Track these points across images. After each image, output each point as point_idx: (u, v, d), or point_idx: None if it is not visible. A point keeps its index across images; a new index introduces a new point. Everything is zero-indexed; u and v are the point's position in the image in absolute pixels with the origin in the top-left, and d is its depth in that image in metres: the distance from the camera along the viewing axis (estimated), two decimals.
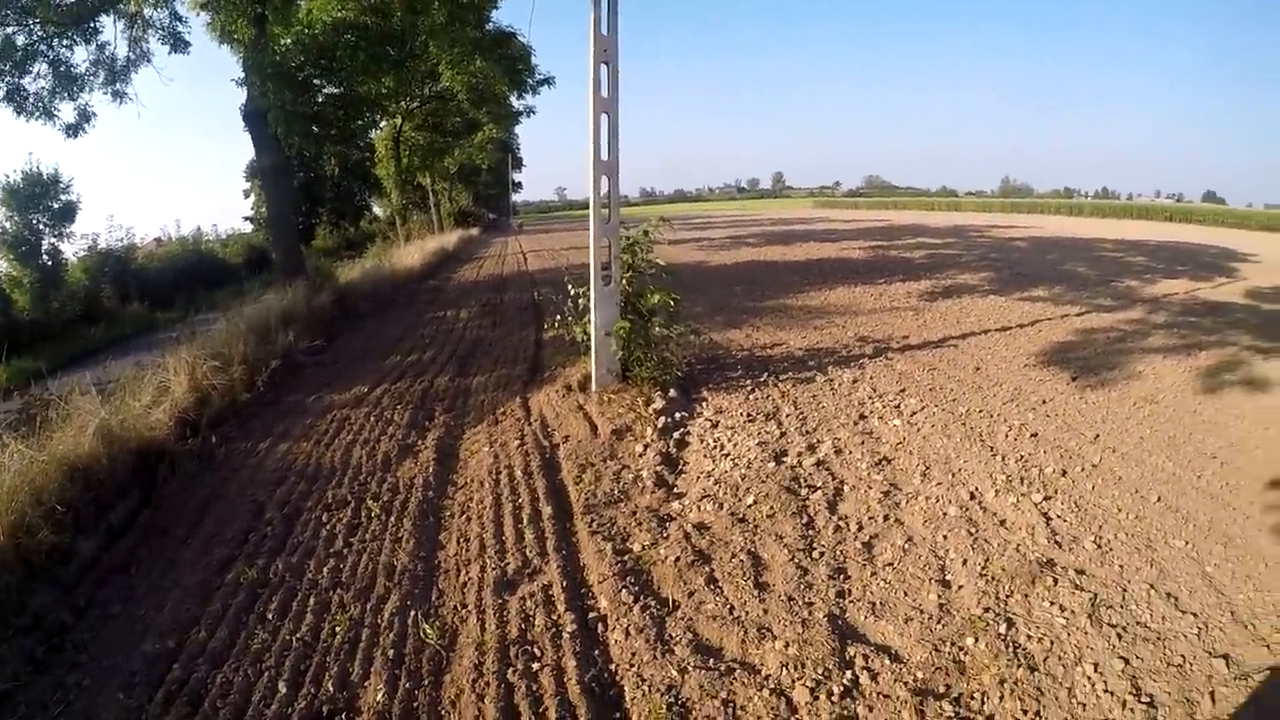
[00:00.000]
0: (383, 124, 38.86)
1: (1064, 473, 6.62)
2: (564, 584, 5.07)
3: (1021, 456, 7.01)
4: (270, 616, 5.00)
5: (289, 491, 7.07)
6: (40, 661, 4.74)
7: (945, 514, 5.96)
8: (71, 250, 24.26)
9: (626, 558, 5.39)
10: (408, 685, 4.22)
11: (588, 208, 8.83)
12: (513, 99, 38.45)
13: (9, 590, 5.13)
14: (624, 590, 4.91)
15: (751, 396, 9.08)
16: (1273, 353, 10.51)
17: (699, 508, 6.19)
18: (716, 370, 10.46)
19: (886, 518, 5.92)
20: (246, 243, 38.51)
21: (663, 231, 10.28)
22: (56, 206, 23.27)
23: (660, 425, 8.04)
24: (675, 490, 6.68)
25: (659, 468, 7.07)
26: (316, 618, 4.94)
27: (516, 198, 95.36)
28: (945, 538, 5.57)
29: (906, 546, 5.47)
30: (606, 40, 8.34)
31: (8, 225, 22.11)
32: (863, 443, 7.50)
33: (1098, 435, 7.49)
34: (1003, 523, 5.78)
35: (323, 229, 50.94)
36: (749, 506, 6.13)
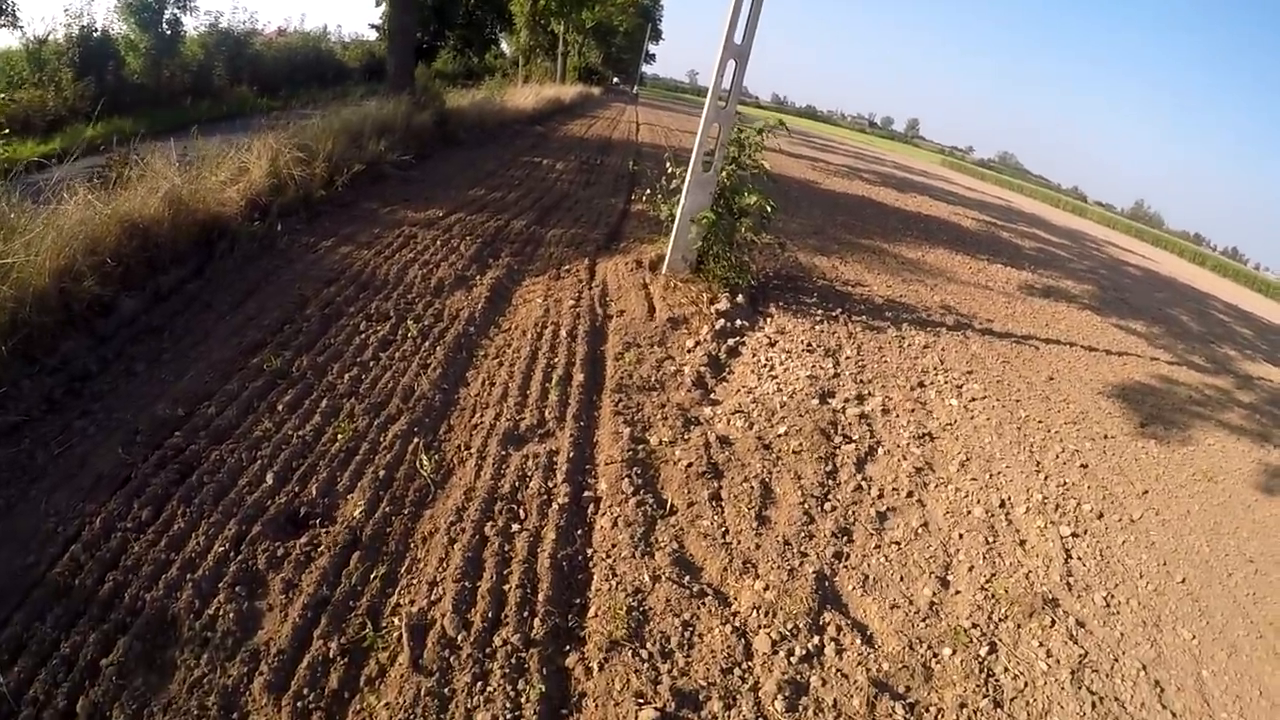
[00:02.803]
0: None
1: (1100, 515, 6.08)
2: (571, 454, 4.93)
3: (1064, 483, 6.46)
4: (280, 408, 5.01)
5: (336, 293, 7.04)
6: (56, 402, 4.83)
7: (969, 512, 5.59)
8: (192, 25, 23.98)
9: (640, 447, 5.22)
10: (387, 509, 4.19)
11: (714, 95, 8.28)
12: None
13: (45, 331, 5.23)
14: (627, 479, 4.75)
15: (818, 327, 8.67)
16: None
17: (729, 420, 5.95)
18: (792, 291, 10.01)
19: (910, 495, 5.59)
20: (368, 50, 38.07)
21: (778, 136, 9.65)
22: None
23: (718, 327, 7.73)
24: (711, 396, 6.45)
25: (703, 368, 6.81)
26: (323, 420, 4.93)
27: (648, 69, 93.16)
28: (961, 536, 5.22)
29: (919, 531, 5.15)
30: None
31: None
32: (913, 410, 7.08)
33: (1146, 491, 6.79)
34: (1023, 543, 5.38)
35: (446, 52, 50.41)
36: (778, 435, 5.87)
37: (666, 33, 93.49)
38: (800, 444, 5.79)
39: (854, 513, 5.14)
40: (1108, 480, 6.77)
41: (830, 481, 5.44)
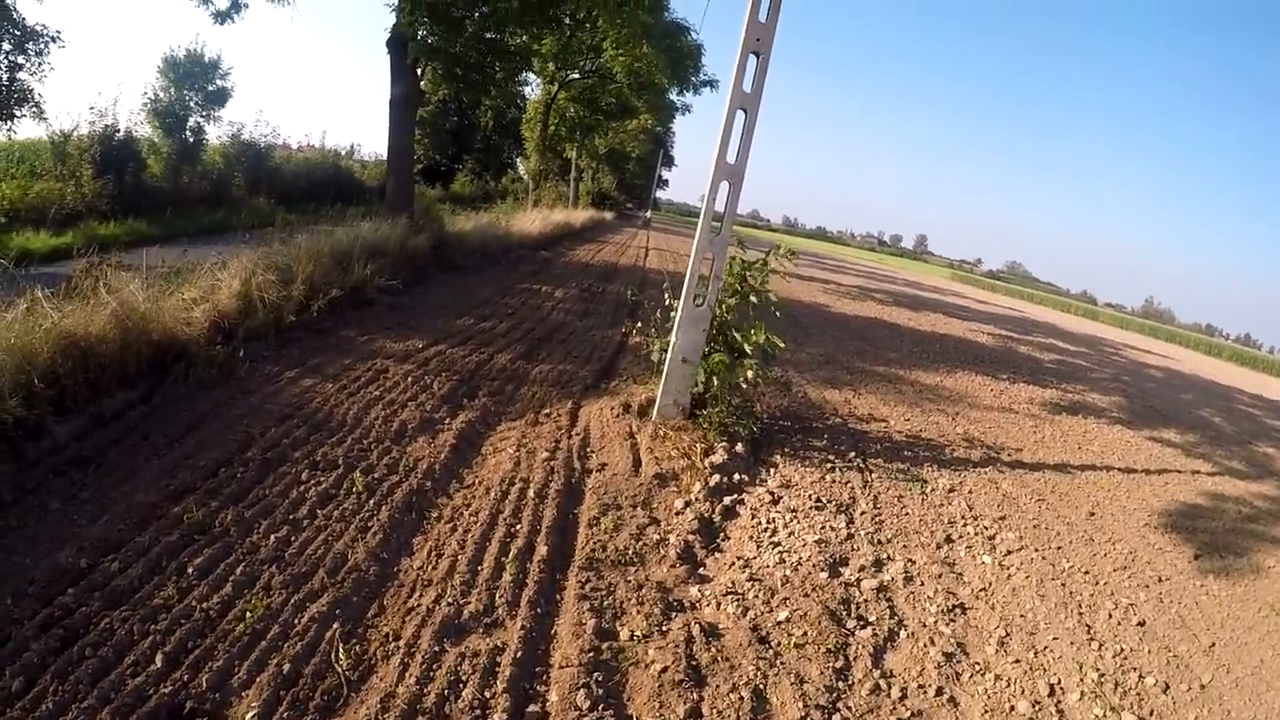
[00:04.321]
0: (536, 86, 39.66)
1: (1166, 688, 5.26)
2: (519, 652, 4.21)
3: (1121, 651, 5.62)
4: (190, 571, 4.43)
5: (285, 433, 6.51)
6: None
7: (1013, 708, 4.75)
8: (215, 133, 25.14)
9: (606, 645, 4.48)
10: (285, 716, 3.50)
11: (731, 221, 8.00)
12: (672, 94, 38.80)
13: None
14: (584, 690, 4.01)
15: (828, 477, 8.00)
16: None
17: (719, 605, 5.22)
18: (799, 433, 9.40)
19: (940, 692, 4.77)
20: (385, 170, 39.55)
21: (787, 264, 9.32)
22: (211, 89, 24.10)
23: (712, 483, 7.07)
24: (701, 571, 5.74)
25: (692, 535, 6.12)
26: (235, 591, 4.31)
27: (661, 194, 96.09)
28: None
29: None
30: (762, 28, 7.43)
31: (161, 95, 22.94)
32: (940, 576, 6.32)
33: (1213, 644, 6.01)
34: None
35: (464, 175, 52.44)
36: (778, 624, 5.11)
37: (680, 158, 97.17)
38: (805, 633, 5.01)
39: None
40: (1169, 638, 5.97)
41: (841, 683, 4.62)
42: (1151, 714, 4.95)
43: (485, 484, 6.41)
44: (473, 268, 18.16)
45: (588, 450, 7.55)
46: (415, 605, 4.53)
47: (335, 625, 4.17)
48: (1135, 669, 5.43)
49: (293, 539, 4.96)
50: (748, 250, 8.83)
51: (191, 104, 23.70)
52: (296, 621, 4.15)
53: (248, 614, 4.13)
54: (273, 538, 4.90)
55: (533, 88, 41.17)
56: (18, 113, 17.91)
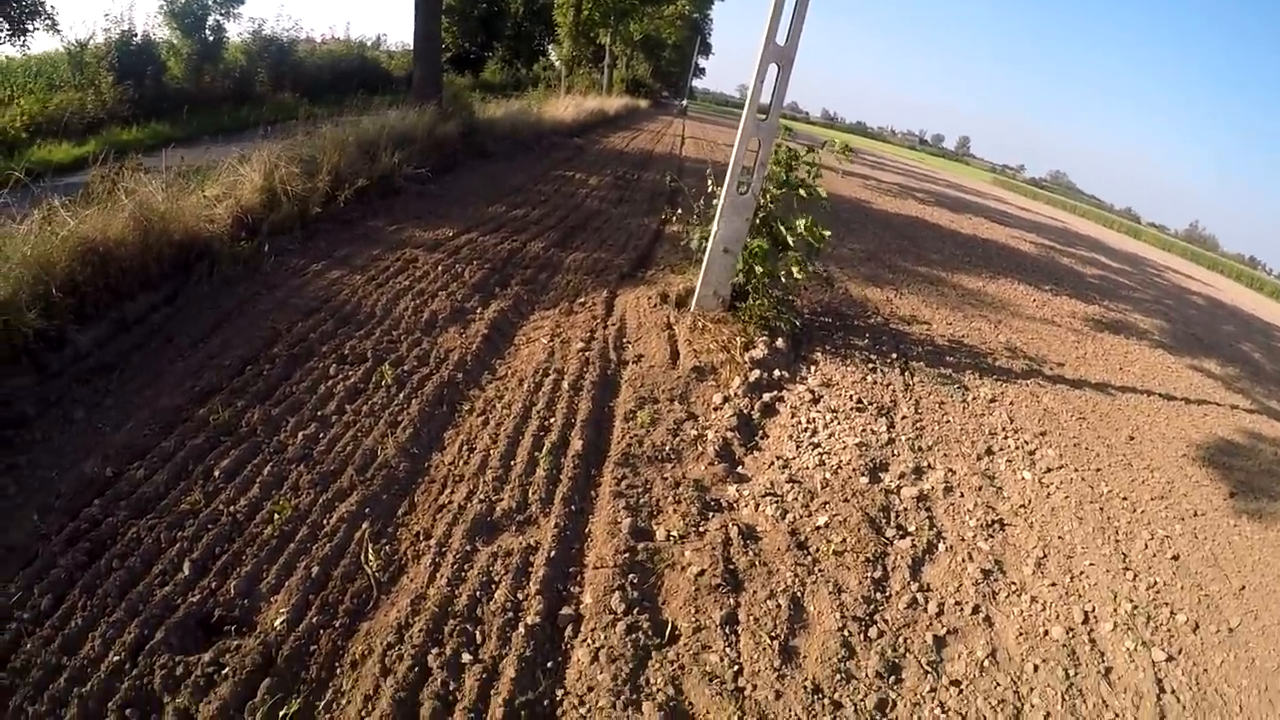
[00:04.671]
0: None
1: (1196, 628, 5.08)
2: (552, 552, 4.07)
3: (1154, 584, 5.44)
4: (216, 475, 4.29)
5: (312, 327, 6.31)
6: None
7: (1047, 632, 4.57)
8: (236, 31, 24.67)
9: (642, 545, 4.32)
10: (315, 620, 3.45)
11: (766, 113, 7.45)
12: None
13: None
14: (619, 592, 3.87)
15: (870, 378, 7.71)
16: None
17: (757, 505, 5.03)
18: (841, 330, 9.06)
19: (976, 609, 4.58)
20: (414, 57, 38.54)
21: (842, 160, 8.79)
22: None
23: (752, 379, 6.81)
24: (739, 470, 5.53)
25: (730, 432, 5.91)
26: (262, 493, 4.18)
27: (697, 83, 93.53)
28: (1036, 669, 4.24)
29: (986, 664, 4.16)
30: None
31: None
32: (980, 488, 6.08)
33: (1243, 588, 5.78)
34: (1108, 673, 4.39)
35: (494, 63, 51.08)
36: (818, 528, 4.93)
37: (717, 47, 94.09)
38: (844, 540, 4.84)
39: (906, 640, 4.16)
40: (1201, 575, 5.77)
41: (879, 594, 4.46)
42: (1180, 652, 4.79)
43: (518, 375, 6.20)
44: (504, 154, 17.60)
45: (624, 341, 7.30)
46: (446, 503, 4.39)
47: (365, 525, 4.04)
48: (1168, 604, 5.25)
49: (321, 436, 4.80)
50: (798, 142, 8.31)
51: (210, 2, 23.10)
52: (325, 522, 4.02)
53: (275, 516, 4.01)
54: (300, 435, 4.75)
55: None
56: (30, 26, 17.72)
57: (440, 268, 8.36)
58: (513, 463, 4.88)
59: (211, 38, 23.11)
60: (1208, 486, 7.56)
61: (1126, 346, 12.85)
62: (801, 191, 8.14)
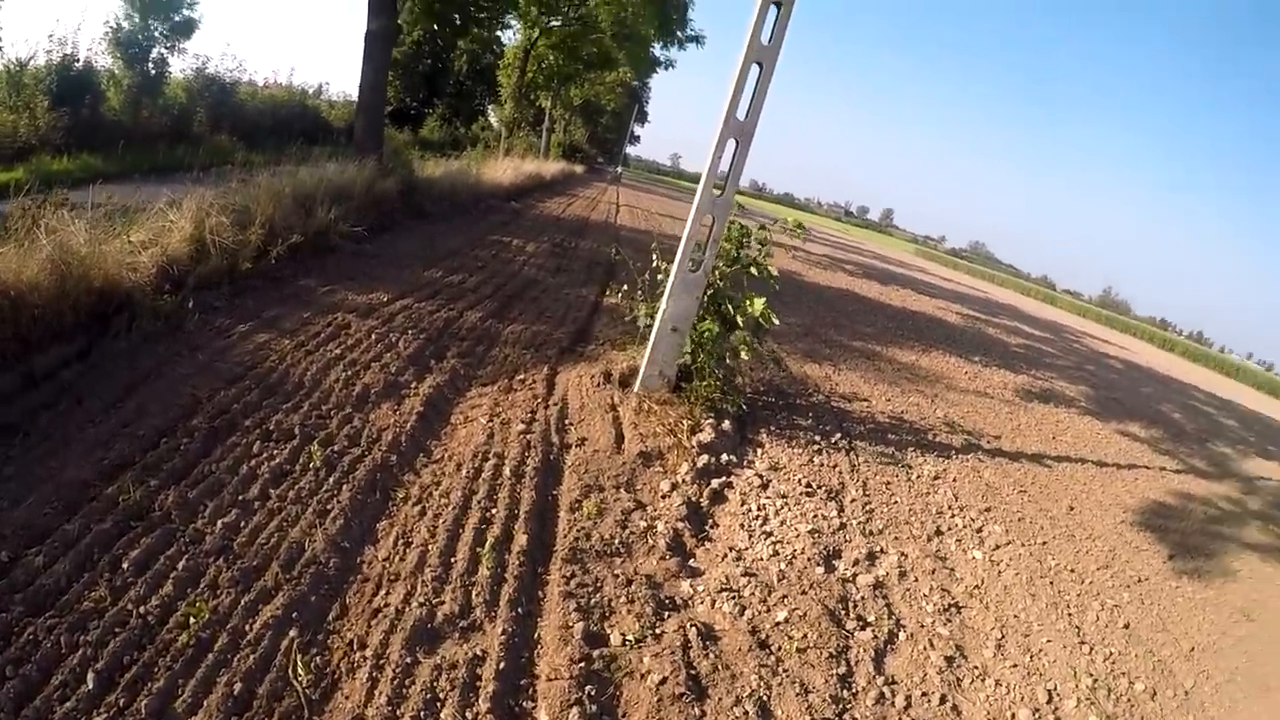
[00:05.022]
0: (516, 31, 38.50)
1: (1154, 695, 5.32)
2: (500, 664, 3.72)
3: (1110, 655, 5.65)
4: (126, 566, 3.81)
5: (236, 397, 5.85)
6: None
7: (1014, 716, 4.63)
8: (179, 66, 23.77)
9: (598, 652, 4.01)
10: None
11: (698, 181, 7.41)
12: (656, 47, 37.95)
13: None
14: (576, 708, 3.54)
15: (816, 460, 7.64)
16: None
17: (714, 602, 4.79)
18: (784, 410, 8.99)
19: (944, 700, 4.52)
20: (353, 110, 38.10)
21: (795, 237, 8.83)
22: (177, 19, 22.62)
23: (700, 464, 6.61)
24: (692, 563, 5.30)
25: (680, 522, 5.68)
26: (177, 590, 3.73)
27: (631, 150, 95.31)
28: None
29: None
30: None
31: (124, 24, 21.45)
32: (934, 571, 6.06)
33: (1192, 649, 6.16)
34: None
35: (434, 120, 51.08)
36: (778, 624, 4.72)
37: (652, 115, 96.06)
38: (806, 635, 4.66)
39: None
40: (1153, 642, 6.06)
41: (845, 692, 4.31)
42: None
43: (456, 459, 5.86)
44: (441, 215, 17.33)
45: (566, 423, 7.02)
46: (382, 606, 4.00)
47: (292, 632, 3.63)
48: (1125, 674, 5.49)
49: (242, 524, 4.37)
50: (749, 218, 8.33)
51: (156, 34, 22.17)
52: (248, 628, 3.60)
53: (192, 620, 3.56)
54: (220, 523, 4.31)
55: (513, 33, 39.83)
56: None
57: (374, 336, 7.98)
58: (453, 560, 4.52)
59: (154, 71, 22.26)
60: (1147, 551, 8.03)
61: (1057, 415, 13.52)
62: (753, 270, 8.09)
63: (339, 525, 4.55)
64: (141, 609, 3.56)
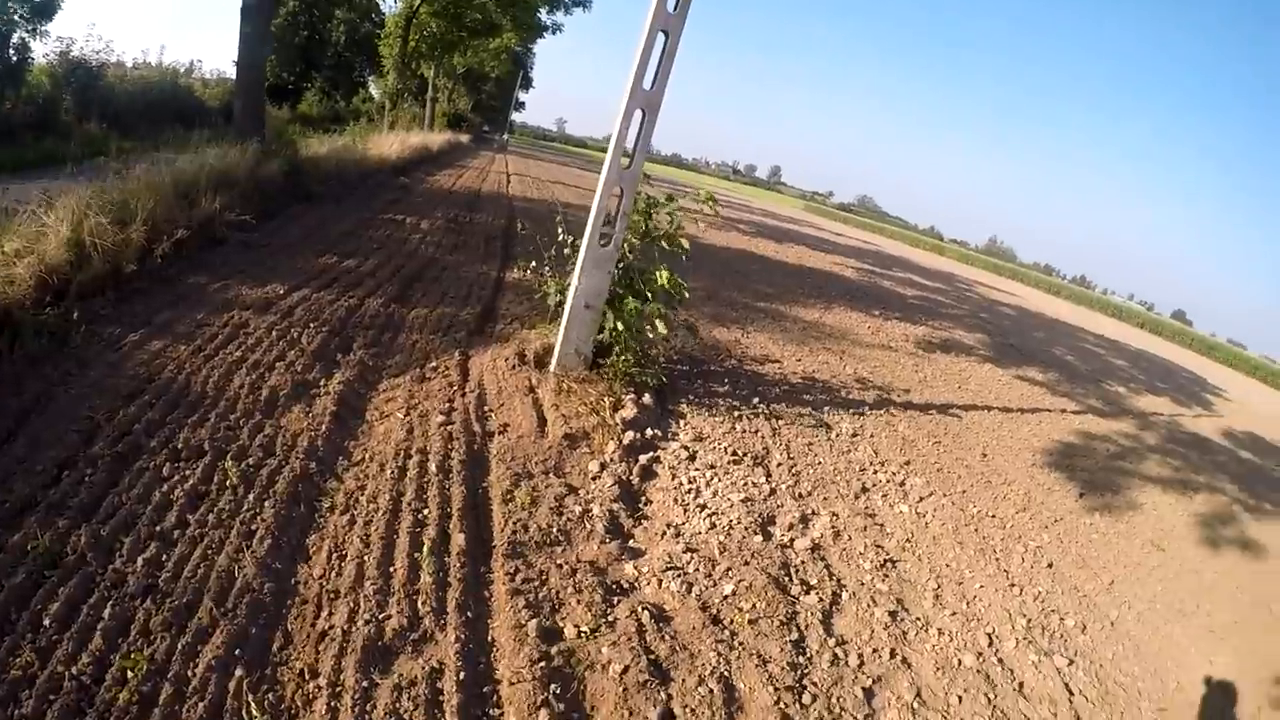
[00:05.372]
0: None
1: (1084, 628, 5.73)
2: (460, 675, 3.62)
3: (1039, 594, 6.05)
4: (48, 626, 3.48)
5: (136, 415, 5.45)
6: None
7: (960, 662, 4.86)
8: (41, 51, 21.95)
9: (555, 649, 3.96)
10: None
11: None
12: (542, 12, 37.13)
13: None
14: (544, 709, 3.50)
15: (738, 426, 7.75)
16: (1259, 511, 10.33)
17: (660, 581, 4.81)
18: (700, 378, 9.05)
19: (893, 653, 4.71)
20: (230, 89, 35.91)
21: (709, 210, 8.72)
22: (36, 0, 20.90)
23: (626, 441, 6.61)
24: (631, 544, 5.30)
25: (615, 504, 5.65)
26: (107, 645, 3.42)
27: (516, 116, 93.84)
28: (960, 700, 4.48)
29: (915, 705, 4.31)
30: None
31: None
32: (865, 529, 6.28)
33: (1112, 582, 6.70)
34: (1021, 688, 4.78)
35: (313, 95, 48.88)
36: (726, 598, 4.79)
37: (537, 80, 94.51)
38: (755, 605, 4.76)
39: (839, 699, 4.19)
40: (1076, 579, 6.54)
41: (800, 658, 4.43)
42: (1077, 654, 5.36)
43: (378, 459, 5.63)
44: (330, 196, 16.54)
45: (486, 410, 6.86)
46: (327, 628, 3.82)
47: (238, 671, 3.42)
48: (1055, 611, 5.86)
49: (164, 559, 4.08)
50: (654, 186, 8.22)
51: (15, 17, 20.42)
52: (191, 674, 3.36)
53: (129, 673, 3.30)
54: (140, 560, 4.01)
55: (392, 2, 38.36)
56: None
57: (275, 333, 7.59)
58: (392, 569, 4.36)
59: (15, 58, 20.48)
60: (1059, 491, 8.59)
61: (959, 364, 14.24)
62: (664, 243, 8.03)
63: (267, 545, 4.32)
64: (73, 669, 3.27)
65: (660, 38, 6.85)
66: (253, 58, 16.61)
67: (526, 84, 79.61)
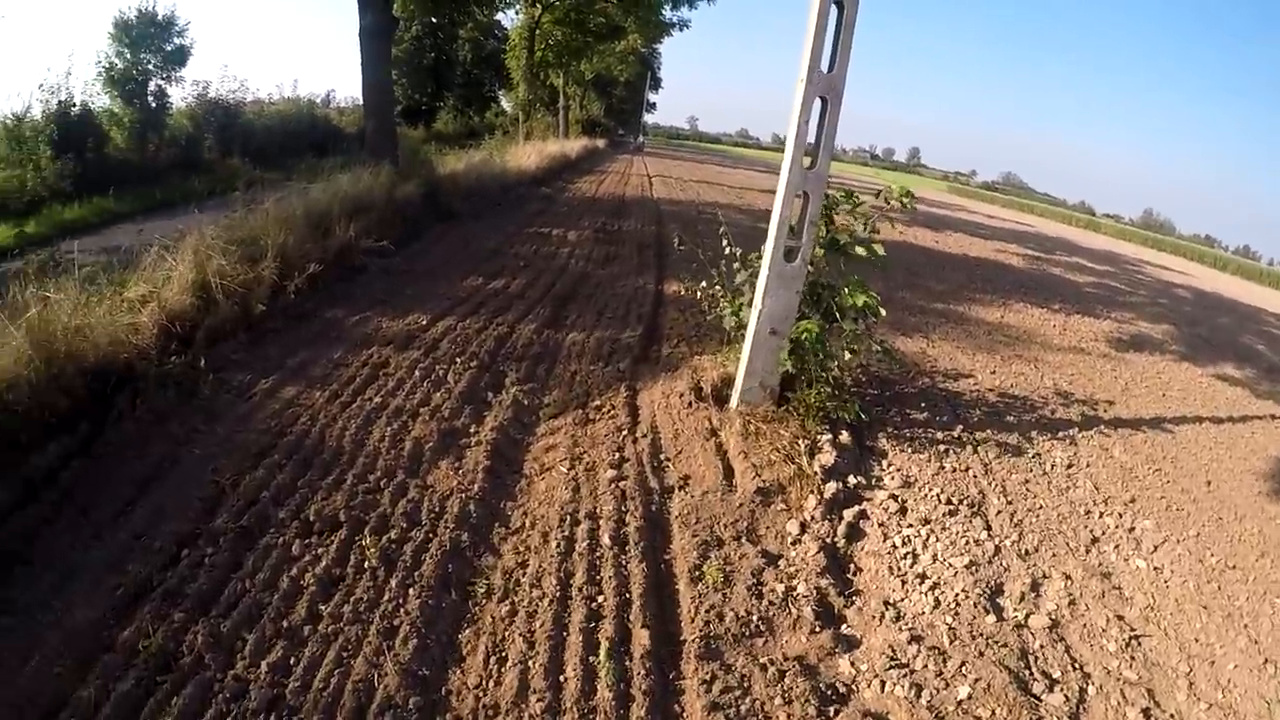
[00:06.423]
0: (517, 12, 38.43)
1: None
2: None
3: None
4: None
5: (265, 479, 5.08)
6: None
7: None
8: (179, 95, 24.43)
9: None
10: None
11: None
12: (666, 8, 37.34)
13: None
14: None
15: (946, 464, 6.74)
16: None
17: (884, 683, 3.95)
18: (893, 402, 8.05)
19: None
20: (364, 111, 38.32)
21: (908, 207, 7.26)
22: (169, 49, 23.30)
23: (828, 495, 5.69)
24: (845, 630, 4.43)
25: (822, 578, 4.77)
26: None
27: (648, 118, 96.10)
28: None
29: None
30: None
31: (116, 61, 22.07)
32: (1103, 595, 5.20)
33: None
34: None
35: (446, 113, 51.50)
36: (961, 703, 3.89)
37: (665, 80, 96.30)
38: (994, 714, 3.85)
39: None
40: None
41: None
42: None
43: (541, 526, 5.01)
44: (471, 214, 16.60)
45: (662, 458, 6.14)
46: None
47: None
48: None
49: (292, 663, 3.58)
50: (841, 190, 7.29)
51: (150, 66, 22.83)
52: None
53: None
54: (264, 665, 3.53)
55: (513, 15, 39.45)
56: None
57: (418, 372, 7.20)
58: (563, 677, 3.68)
59: (155, 104, 22.84)
60: None
61: (1156, 365, 12.82)
62: (860, 250, 7.08)
63: (412, 647, 3.73)
64: None
65: (834, 10, 5.90)
66: (377, 79, 16.92)
67: (655, 85, 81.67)
